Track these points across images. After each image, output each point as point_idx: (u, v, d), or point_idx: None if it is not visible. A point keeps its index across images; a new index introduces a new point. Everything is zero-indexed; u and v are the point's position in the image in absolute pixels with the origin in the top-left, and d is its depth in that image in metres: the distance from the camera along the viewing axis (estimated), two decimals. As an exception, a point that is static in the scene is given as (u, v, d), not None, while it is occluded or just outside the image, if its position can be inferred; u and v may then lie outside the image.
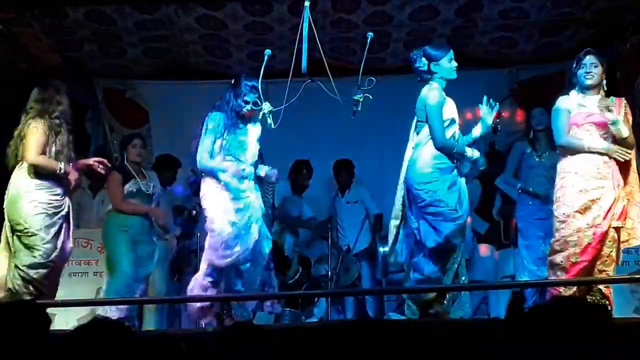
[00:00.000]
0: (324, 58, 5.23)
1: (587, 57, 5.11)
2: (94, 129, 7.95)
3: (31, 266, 5.18)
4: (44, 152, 5.29)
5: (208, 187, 5.42)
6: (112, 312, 5.70)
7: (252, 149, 5.48)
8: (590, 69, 5.10)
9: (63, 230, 5.34)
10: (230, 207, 5.33)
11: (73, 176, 5.41)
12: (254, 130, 5.49)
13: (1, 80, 6.65)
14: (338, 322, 5.63)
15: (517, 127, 7.68)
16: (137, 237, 6.10)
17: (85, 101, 7.82)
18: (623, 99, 5.20)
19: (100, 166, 5.53)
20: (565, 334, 2.19)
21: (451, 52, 5.27)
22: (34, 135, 5.24)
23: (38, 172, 5.28)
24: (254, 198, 5.44)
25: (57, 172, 5.28)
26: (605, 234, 4.94)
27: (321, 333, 2.47)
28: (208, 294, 5.39)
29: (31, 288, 5.17)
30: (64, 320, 5.87)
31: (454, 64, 5.25)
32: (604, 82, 5.17)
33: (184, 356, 2.59)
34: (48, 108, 5.34)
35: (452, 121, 5.24)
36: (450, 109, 5.23)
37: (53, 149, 5.31)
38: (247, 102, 5.40)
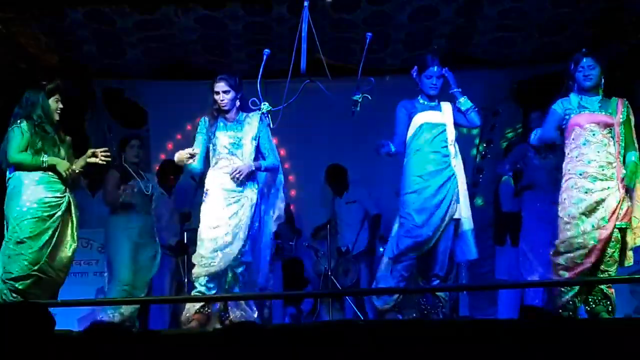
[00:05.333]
0: (323, 58, 5.24)
1: (585, 59, 5.10)
2: (92, 130, 7.93)
3: (16, 278, 5.10)
4: (25, 151, 5.26)
5: (205, 194, 5.43)
6: (112, 316, 5.71)
7: (248, 148, 5.43)
8: (589, 71, 5.09)
9: (58, 232, 5.25)
10: (221, 215, 5.31)
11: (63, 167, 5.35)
12: (250, 129, 5.47)
13: (1, 81, 6.64)
14: (338, 322, 5.63)
15: (516, 126, 7.71)
16: (139, 240, 6.09)
17: (84, 101, 7.81)
18: (625, 99, 5.19)
19: (101, 155, 5.45)
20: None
21: (431, 69, 5.38)
22: (14, 137, 5.24)
23: (26, 169, 5.23)
24: (251, 197, 5.39)
25: (41, 165, 5.22)
26: (610, 235, 4.94)
27: (321, 333, 2.47)
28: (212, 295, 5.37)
29: (20, 298, 5.05)
30: (64, 320, 5.86)
31: (433, 80, 5.39)
32: (602, 81, 5.17)
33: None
34: (31, 110, 5.31)
35: (428, 126, 5.36)
36: (423, 117, 5.38)
37: (35, 149, 5.26)
38: (213, 101, 5.43)
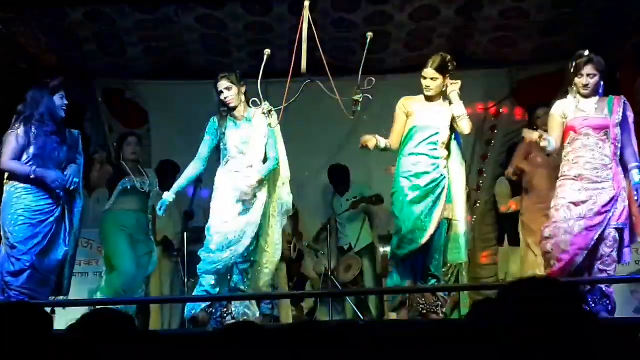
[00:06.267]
0: (323, 58, 5.24)
1: (586, 68, 5.07)
2: (93, 130, 7.93)
3: (11, 273, 5.21)
4: (19, 157, 5.27)
5: (214, 193, 5.45)
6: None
7: (257, 146, 5.43)
8: (588, 80, 5.07)
9: (50, 236, 5.30)
10: (231, 212, 5.33)
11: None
12: (258, 127, 5.45)
13: (1, 81, 6.64)
14: (338, 322, 5.65)
15: (516, 126, 7.72)
16: (135, 236, 6.11)
17: (85, 101, 7.81)
18: (622, 97, 5.18)
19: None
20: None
21: (425, 70, 5.37)
22: (9, 143, 5.27)
23: (16, 178, 5.27)
24: (260, 197, 5.37)
25: (29, 176, 5.23)
26: (595, 228, 4.94)
27: (321, 333, 2.46)
28: (212, 295, 5.39)
29: (17, 294, 5.18)
30: (63, 320, 5.85)
31: (427, 82, 5.37)
32: (602, 84, 5.15)
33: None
34: (34, 108, 5.32)
35: (419, 129, 5.36)
36: (417, 119, 5.38)
37: (30, 152, 5.27)
38: (220, 101, 5.43)
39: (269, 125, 5.39)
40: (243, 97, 5.47)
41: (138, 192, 6.20)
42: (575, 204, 4.99)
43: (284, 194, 5.54)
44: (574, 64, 5.12)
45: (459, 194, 5.43)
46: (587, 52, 5.11)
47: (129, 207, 6.19)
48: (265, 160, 5.48)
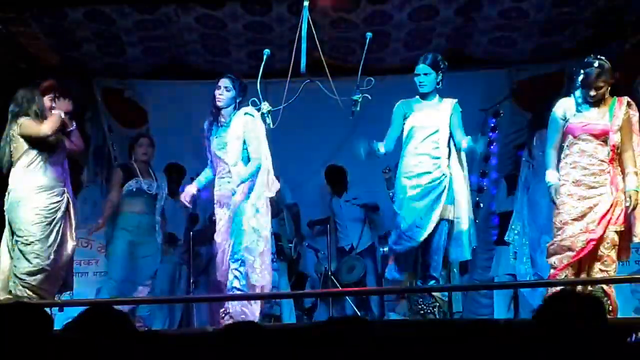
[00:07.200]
0: (323, 58, 5.24)
1: (597, 81, 4.96)
2: (92, 129, 7.92)
3: (29, 273, 5.23)
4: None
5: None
6: None
7: (232, 149, 5.38)
8: (596, 92, 4.99)
9: (61, 232, 5.36)
10: (221, 220, 5.42)
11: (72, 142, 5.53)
12: (233, 129, 5.40)
13: (1, 81, 6.64)
14: (337, 320, 5.64)
15: (516, 127, 7.72)
16: (137, 239, 6.13)
17: (85, 101, 7.81)
18: (626, 97, 5.15)
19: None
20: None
21: (417, 67, 5.40)
22: (27, 124, 5.29)
23: (49, 144, 5.32)
24: (238, 199, 5.35)
25: (61, 117, 5.34)
26: (599, 240, 4.95)
27: (321, 333, 2.47)
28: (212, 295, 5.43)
29: (31, 293, 5.21)
30: (64, 320, 5.86)
31: (421, 78, 5.39)
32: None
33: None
34: (28, 107, 5.36)
35: (418, 128, 5.37)
36: (416, 119, 5.37)
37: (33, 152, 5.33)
38: (213, 98, 5.44)
39: (269, 125, 5.39)
40: (235, 105, 5.43)
41: (144, 193, 6.21)
42: (578, 220, 4.99)
43: (263, 189, 5.44)
44: (582, 73, 5.02)
45: (461, 193, 5.42)
46: (597, 63, 4.97)
47: (133, 210, 6.22)
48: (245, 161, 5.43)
